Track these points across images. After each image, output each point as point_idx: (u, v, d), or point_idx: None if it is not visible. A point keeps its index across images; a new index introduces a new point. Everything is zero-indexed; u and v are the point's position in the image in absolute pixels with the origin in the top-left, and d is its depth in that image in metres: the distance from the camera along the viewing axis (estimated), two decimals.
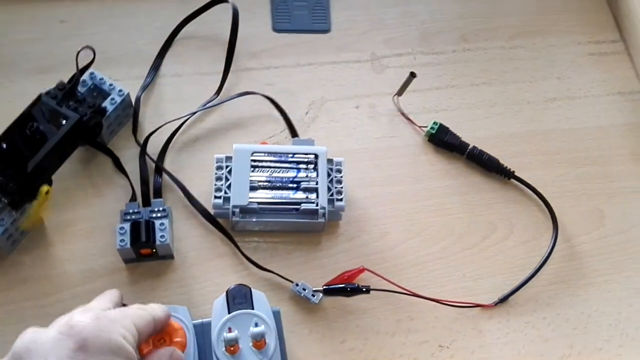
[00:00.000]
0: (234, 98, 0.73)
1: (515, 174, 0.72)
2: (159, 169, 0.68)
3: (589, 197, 0.73)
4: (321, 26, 0.80)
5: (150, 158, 0.69)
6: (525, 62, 0.81)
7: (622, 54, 0.82)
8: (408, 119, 0.75)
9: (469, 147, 0.73)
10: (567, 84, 0.79)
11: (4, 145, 0.59)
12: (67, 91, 0.62)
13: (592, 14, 0.85)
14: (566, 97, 0.79)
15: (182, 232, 0.67)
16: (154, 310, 0.52)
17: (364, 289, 0.64)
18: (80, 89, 0.65)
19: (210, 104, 0.72)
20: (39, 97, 0.61)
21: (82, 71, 0.64)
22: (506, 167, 0.73)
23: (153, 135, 0.70)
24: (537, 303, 0.67)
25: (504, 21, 0.83)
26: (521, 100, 0.78)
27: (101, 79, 0.67)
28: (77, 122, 0.61)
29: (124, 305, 0.54)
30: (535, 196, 0.72)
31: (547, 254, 0.69)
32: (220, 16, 0.76)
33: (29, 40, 0.75)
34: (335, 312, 0.64)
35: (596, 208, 0.72)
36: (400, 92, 0.75)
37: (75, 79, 0.63)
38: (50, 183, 0.61)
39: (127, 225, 0.61)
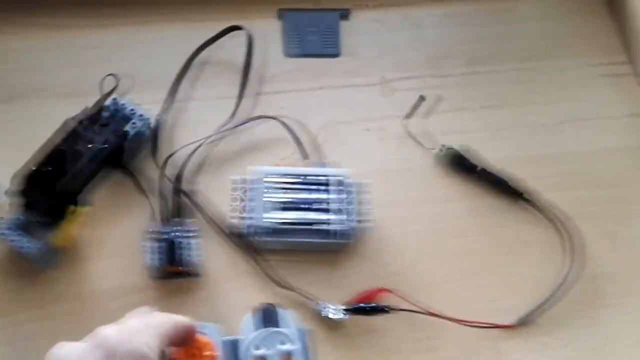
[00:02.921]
0: (248, 122, 0.82)
1: (529, 195, 0.80)
2: (179, 190, 0.77)
3: (604, 220, 0.81)
4: (331, 51, 0.90)
5: (168, 179, 0.78)
6: (536, 84, 0.90)
7: (632, 76, 0.91)
8: (418, 142, 0.84)
9: (479, 169, 0.81)
10: (579, 106, 0.88)
11: (34, 168, 0.68)
12: (92, 116, 0.72)
13: (602, 37, 0.94)
14: (579, 119, 0.87)
15: (207, 251, 0.74)
16: (177, 316, 0.58)
17: (384, 309, 0.72)
18: (104, 113, 0.74)
19: (225, 128, 0.82)
20: (66, 122, 0.71)
21: (105, 97, 0.74)
22: (520, 189, 0.80)
23: (172, 158, 0.79)
24: (555, 324, 0.74)
25: (513, 44, 0.92)
26: (533, 122, 0.87)
27: (123, 104, 0.76)
28: (106, 145, 0.71)
29: None
30: (551, 218, 0.80)
31: (564, 276, 0.76)
32: (234, 42, 0.87)
33: (57, 66, 0.85)
34: (357, 330, 0.72)
35: (611, 230, 0.80)
36: (410, 115, 0.84)
37: (100, 105, 0.73)
38: (78, 204, 0.70)
39: (155, 244, 0.70)
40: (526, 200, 0.80)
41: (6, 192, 0.69)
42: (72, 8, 0.88)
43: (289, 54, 0.89)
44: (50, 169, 0.69)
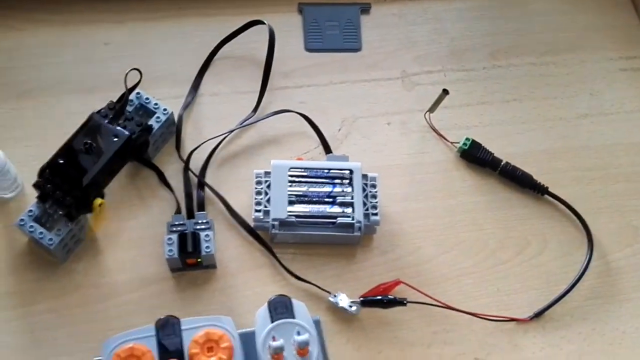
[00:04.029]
0: (270, 116, 0.82)
1: (549, 189, 0.79)
2: (201, 184, 0.77)
3: (623, 214, 0.80)
4: (352, 45, 0.89)
5: (193, 173, 0.78)
6: (556, 78, 0.88)
7: None
8: (440, 135, 0.83)
9: (502, 163, 0.80)
10: (599, 100, 0.87)
11: (61, 162, 0.68)
12: (117, 110, 0.72)
13: (623, 30, 0.92)
14: (599, 113, 0.86)
15: (223, 244, 0.75)
16: None
17: (401, 301, 0.71)
18: (128, 108, 0.74)
19: (247, 122, 0.81)
20: (92, 116, 0.71)
21: (130, 91, 0.74)
22: (540, 182, 0.80)
23: (195, 152, 0.79)
24: (572, 318, 0.74)
25: (534, 38, 0.91)
26: (553, 116, 0.86)
27: (147, 98, 0.76)
28: (127, 140, 0.70)
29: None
30: (569, 212, 0.79)
31: (582, 270, 0.75)
32: (254, 37, 0.86)
33: (74, 62, 0.85)
34: (372, 323, 0.72)
35: (630, 224, 0.79)
36: (432, 109, 0.83)
37: (124, 99, 0.73)
38: (102, 196, 0.70)
39: (174, 237, 0.70)
40: (548, 194, 0.79)
41: (33, 185, 0.70)
42: (88, 4, 0.88)
43: (310, 48, 0.88)
44: (75, 162, 0.69)
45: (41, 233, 0.69)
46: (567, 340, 0.73)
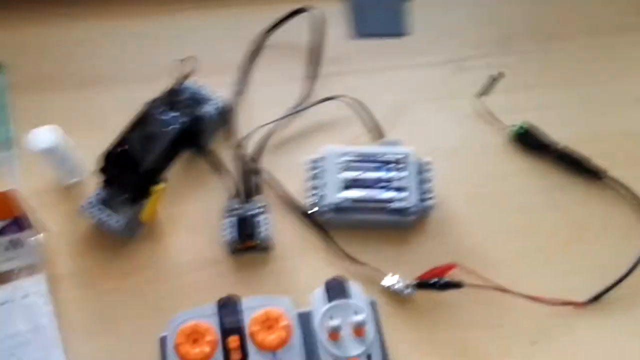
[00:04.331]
0: (321, 102, 0.81)
1: (608, 173, 0.77)
2: (256, 169, 0.77)
3: None
4: (397, 30, 0.88)
5: (248, 158, 0.78)
6: (608, 61, 0.87)
7: None
8: (494, 117, 0.81)
9: (558, 146, 0.79)
10: None
11: (119, 150, 0.70)
12: (171, 99, 0.73)
13: None
14: None
15: (278, 227, 0.75)
16: None
17: (457, 284, 0.70)
18: (182, 96, 0.75)
19: (298, 108, 0.81)
20: (147, 106, 0.72)
21: (184, 80, 0.75)
22: (598, 166, 0.78)
23: (247, 138, 0.79)
24: (630, 303, 0.72)
25: (585, 20, 0.89)
26: (609, 100, 0.84)
27: (200, 86, 0.77)
28: (182, 128, 0.72)
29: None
30: (628, 195, 0.77)
31: None
32: (300, 24, 0.86)
33: (131, 51, 0.87)
34: (427, 305, 0.71)
35: None
36: (485, 92, 0.82)
37: (179, 87, 0.74)
38: (161, 182, 0.71)
39: (232, 220, 0.71)
40: (607, 178, 0.77)
41: (93, 172, 0.71)
42: None
43: (355, 34, 0.87)
44: (133, 149, 0.70)
45: (109, 215, 0.71)
46: (624, 324, 0.71)
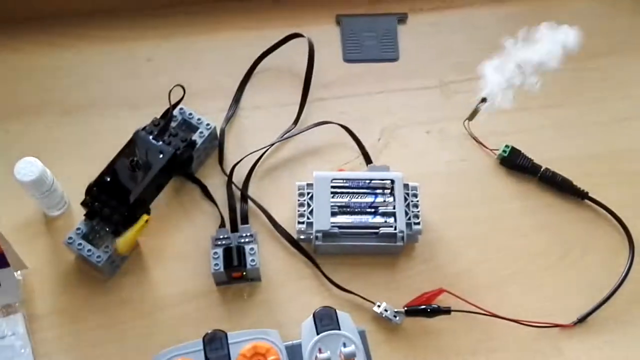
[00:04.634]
0: (311, 128, 0.81)
1: (589, 194, 0.78)
2: (245, 197, 0.77)
3: None
4: (390, 55, 0.88)
5: (236, 186, 0.78)
6: (596, 82, 0.86)
7: None
8: (479, 142, 0.81)
9: (542, 169, 0.79)
10: (638, 104, 0.85)
11: (108, 179, 0.69)
12: (161, 127, 0.72)
13: None
14: (638, 117, 0.84)
15: (267, 256, 0.75)
16: None
17: (445, 310, 0.70)
18: (172, 123, 0.74)
19: (288, 134, 0.81)
20: (136, 133, 0.71)
21: (173, 107, 0.74)
22: (580, 188, 0.78)
23: (237, 165, 0.78)
24: (616, 322, 0.72)
25: None
26: (592, 121, 0.84)
27: (190, 113, 0.76)
28: (173, 156, 0.71)
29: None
30: (610, 216, 0.77)
31: (624, 274, 0.74)
32: (294, 49, 0.85)
33: (117, 78, 0.85)
34: (416, 332, 0.71)
35: None
36: (471, 117, 0.82)
37: (168, 115, 0.73)
38: (148, 212, 0.70)
39: (220, 250, 0.70)
40: (589, 199, 0.78)
41: (81, 204, 0.70)
42: (125, 20, 0.88)
43: (348, 59, 0.87)
44: (121, 179, 0.69)
45: (89, 250, 0.69)
46: (611, 344, 0.71)
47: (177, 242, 0.75)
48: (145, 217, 0.69)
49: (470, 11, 0.91)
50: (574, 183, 0.78)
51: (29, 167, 0.69)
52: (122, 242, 0.69)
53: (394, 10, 0.90)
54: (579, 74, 0.87)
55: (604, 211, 0.77)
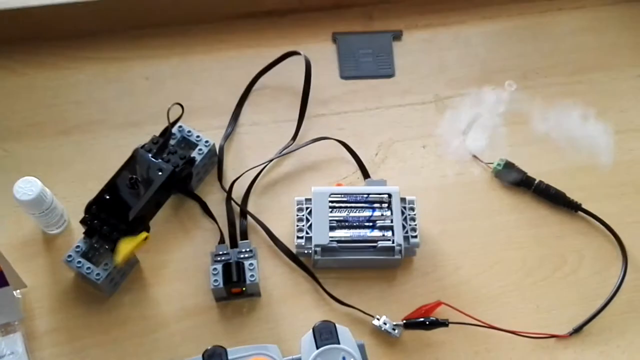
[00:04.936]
0: (309, 144, 0.81)
1: (582, 206, 0.78)
2: (244, 213, 0.77)
3: None
4: (386, 71, 0.88)
5: (235, 202, 0.78)
6: (585, 96, 0.86)
7: None
8: (474, 156, 0.82)
9: (536, 182, 0.79)
10: (629, 116, 0.85)
11: (107, 197, 0.68)
12: (160, 145, 0.72)
13: None
14: (629, 130, 0.84)
15: (266, 271, 0.75)
16: None
17: (443, 323, 0.70)
18: (171, 141, 0.74)
19: (286, 150, 0.81)
20: (136, 151, 0.71)
21: (172, 125, 0.74)
22: (573, 200, 0.79)
23: (236, 181, 0.78)
24: (611, 332, 0.72)
25: (563, 58, 0.90)
26: (582, 134, 0.83)
27: (189, 131, 0.76)
28: (172, 173, 0.71)
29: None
30: (603, 228, 0.78)
31: (618, 284, 0.74)
32: (291, 67, 0.86)
33: (116, 97, 0.85)
34: (415, 345, 0.71)
35: None
36: (466, 131, 0.82)
37: (167, 133, 0.73)
38: (148, 230, 0.70)
39: (219, 267, 0.70)
40: (582, 211, 0.78)
41: (80, 222, 0.70)
42: (122, 40, 0.88)
43: (345, 76, 0.88)
44: (120, 197, 0.69)
45: (89, 268, 0.69)
46: (606, 354, 0.71)
47: (177, 258, 0.75)
48: (144, 234, 0.69)
49: (463, 27, 0.91)
50: (567, 195, 0.78)
51: (28, 187, 0.69)
52: (120, 250, 0.69)
53: (389, 28, 0.91)
54: (570, 87, 0.87)
55: (597, 222, 0.78)
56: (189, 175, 0.74)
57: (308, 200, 0.75)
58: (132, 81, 0.86)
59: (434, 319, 0.71)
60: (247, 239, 0.75)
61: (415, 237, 0.74)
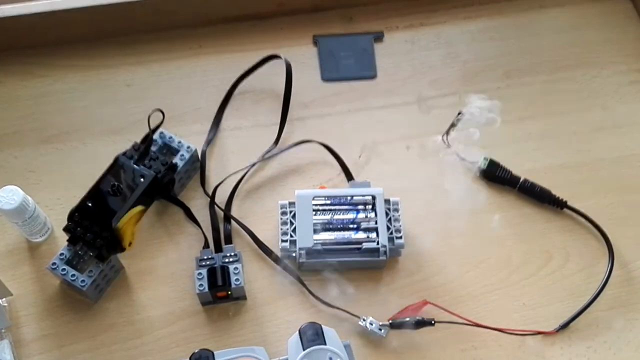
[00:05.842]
0: (291, 147, 0.81)
1: (568, 203, 0.78)
2: (228, 217, 0.76)
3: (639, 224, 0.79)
4: (368, 73, 0.88)
5: (219, 207, 0.77)
6: (569, 94, 0.87)
7: None
8: (459, 156, 0.81)
9: (521, 180, 0.79)
10: (612, 113, 0.85)
11: (90, 204, 0.68)
12: (142, 151, 0.71)
13: (631, 44, 0.91)
14: (612, 126, 0.85)
15: (251, 275, 0.74)
16: None
17: (429, 322, 0.70)
18: (152, 147, 0.74)
19: (269, 154, 0.81)
20: (117, 158, 0.71)
21: (154, 131, 0.74)
22: (558, 197, 0.78)
23: (219, 186, 0.78)
24: (597, 328, 0.72)
25: (545, 56, 0.89)
26: (568, 131, 0.84)
27: (170, 137, 0.76)
28: (154, 179, 0.70)
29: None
30: (588, 224, 0.78)
31: (604, 280, 0.74)
32: (272, 70, 0.85)
33: (97, 104, 0.85)
34: (401, 344, 0.71)
35: None
36: (449, 131, 0.82)
37: (148, 140, 0.73)
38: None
39: (204, 271, 0.70)
40: (567, 208, 0.78)
41: (63, 229, 0.69)
42: (103, 48, 0.88)
43: (327, 78, 0.87)
44: (103, 204, 0.68)
45: (73, 275, 0.69)
46: (593, 350, 0.71)
47: (162, 264, 0.75)
48: (139, 207, 0.69)
49: (444, 28, 0.91)
50: (553, 192, 0.78)
51: (9, 195, 0.68)
52: (124, 236, 0.69)
53: (369, 29, 0.90)
54: (552, 85, 0.87)
55: (583, 219, 0.78)
56: (171, 181, 0.74)
57: (292, 203, 0.75)
58: (113, 88, 0.86)
59: (420, 318, 0.70)
60: (231, 243, 0.75)
61: (400, 238, 0.73)
